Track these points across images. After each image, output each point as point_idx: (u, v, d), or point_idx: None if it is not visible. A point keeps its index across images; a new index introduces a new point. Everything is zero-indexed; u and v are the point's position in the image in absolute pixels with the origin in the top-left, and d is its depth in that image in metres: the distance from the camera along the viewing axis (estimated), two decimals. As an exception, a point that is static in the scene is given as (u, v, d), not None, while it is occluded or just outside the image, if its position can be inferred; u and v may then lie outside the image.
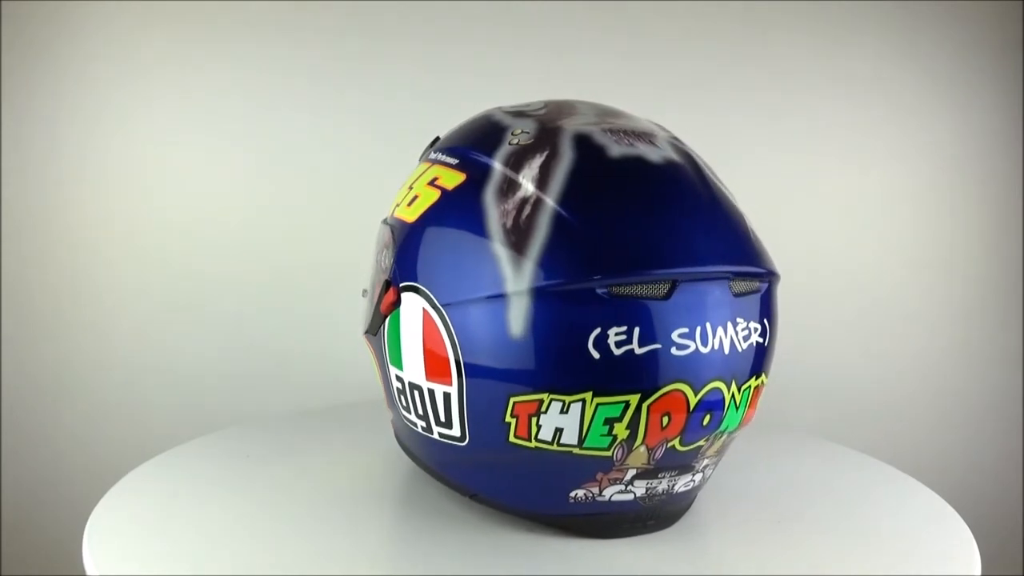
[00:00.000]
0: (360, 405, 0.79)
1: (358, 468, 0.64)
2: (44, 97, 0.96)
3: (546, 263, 0.46)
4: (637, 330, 0.45)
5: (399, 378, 0.54)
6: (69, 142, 0.96)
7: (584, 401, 0.46)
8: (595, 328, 0.45)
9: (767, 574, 0.49)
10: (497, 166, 0.50)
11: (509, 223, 0.48)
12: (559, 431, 0.47)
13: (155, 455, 0.66)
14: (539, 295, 0.46)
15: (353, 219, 0.82)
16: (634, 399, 0.46)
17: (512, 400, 0.47)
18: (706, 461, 0.51)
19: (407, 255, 0.53)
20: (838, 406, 1.04)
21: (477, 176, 0.51)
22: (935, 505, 0.60)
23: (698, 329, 0.46)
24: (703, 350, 0.46)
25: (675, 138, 0.54)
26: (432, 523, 0.54)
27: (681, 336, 0.46)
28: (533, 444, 0.48)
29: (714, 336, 0.47)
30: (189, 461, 0.66)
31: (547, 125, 0.51)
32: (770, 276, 0.51)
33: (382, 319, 0.54)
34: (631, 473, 0.49)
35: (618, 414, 0.46)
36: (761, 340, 0.50)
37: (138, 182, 0.98)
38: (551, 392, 0.46)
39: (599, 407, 0.46)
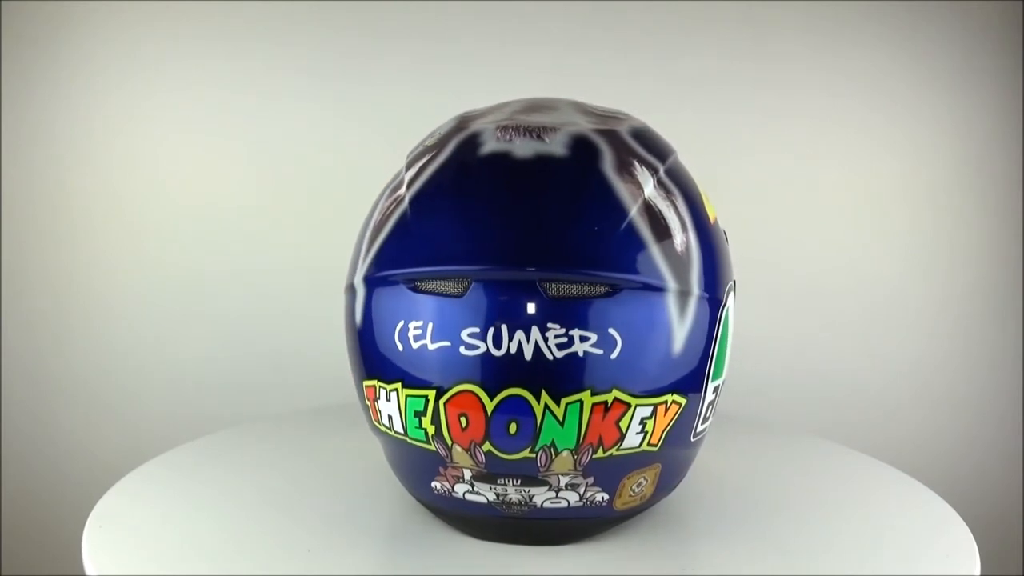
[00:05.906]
0: (360, 405, 0.79)
1: (357, 468, 0.64)
2: (44, 97, 0.96)
3: (374, 257, 0.49)
4: (431, 326, 0.46)
5: None
6: (69, 142, 0.96)
7: (397, 391, 0.48)
8: (399, 321, 0.47)
9: (766, 574, 0.49)
10: (403, 167, 0.52)
11: (377, 220, 0.50)
12: (391, 418, 0.49)
13: (155, 455, 0.66)
14: (367, 286, 0.49)
15: (354, 219, 0.82)
16: (431, 394, 0.46)
17: (364, 384, 0.51)
18: (566, 479, 0.47)
19: None
20: (838, 406, 1.04)
21: (394, 177, 0.53)
22: (935, 506, 0.60)
23: (490, 330, 0.44)
24: (495, 353, 0.44)
25: (604, 131, 0.49)
26: (432, 525, 0.54)
27: (471, 336, 0.45)
28: (383, 428, 0.50)
29: (511, 340, 0.44)
30: (189, 462, 0.66)
31: (460, 125, 0.51)
32: (631, 284, 0.45)
33: None
34: (468, 473, 0.48)
35: (422, 408, 0.47)
36: (599, 351, 0.44)
37: (138, 182, 0.98)
38: (377, 380, 0.49)
39: (408, 399, 0.47)
